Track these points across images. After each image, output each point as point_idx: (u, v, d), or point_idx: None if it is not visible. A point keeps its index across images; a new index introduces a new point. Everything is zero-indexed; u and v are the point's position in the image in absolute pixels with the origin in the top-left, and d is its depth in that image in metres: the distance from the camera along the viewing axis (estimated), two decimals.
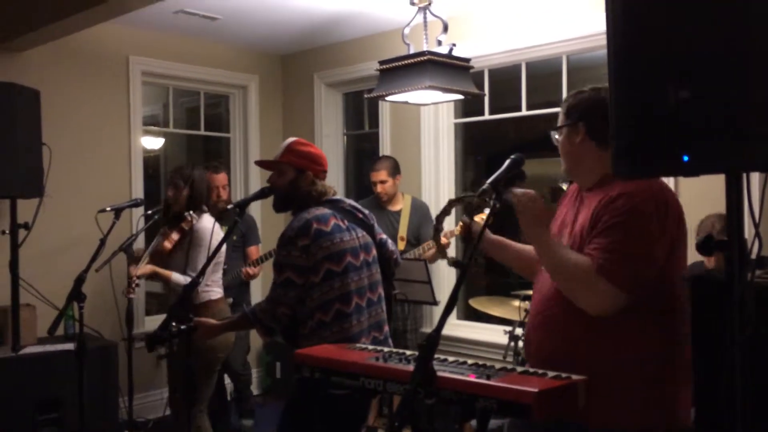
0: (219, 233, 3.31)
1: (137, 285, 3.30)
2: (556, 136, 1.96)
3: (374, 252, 2.59)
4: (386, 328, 2.60)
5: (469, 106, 4.71)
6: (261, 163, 2.72)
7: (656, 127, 1.35)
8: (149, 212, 3.71)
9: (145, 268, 3.21)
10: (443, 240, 4.01)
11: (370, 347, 2.20)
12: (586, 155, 1.86)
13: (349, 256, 2.44)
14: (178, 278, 3.19)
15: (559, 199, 2.12)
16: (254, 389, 5.11)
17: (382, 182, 4.20)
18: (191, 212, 3.28)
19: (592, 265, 1.70)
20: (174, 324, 2.21)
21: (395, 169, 4.26)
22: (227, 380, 4.54)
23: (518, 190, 1.82)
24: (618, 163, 1.44)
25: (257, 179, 5.29)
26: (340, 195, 2.72)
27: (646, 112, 1.38)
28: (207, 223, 3.30)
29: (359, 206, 2.67)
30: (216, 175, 4.22)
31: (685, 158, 1.28)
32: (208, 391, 3.33)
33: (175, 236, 3.28)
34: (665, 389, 1.77)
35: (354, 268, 2.45)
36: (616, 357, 1.75)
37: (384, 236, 2.73)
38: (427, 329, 4.34)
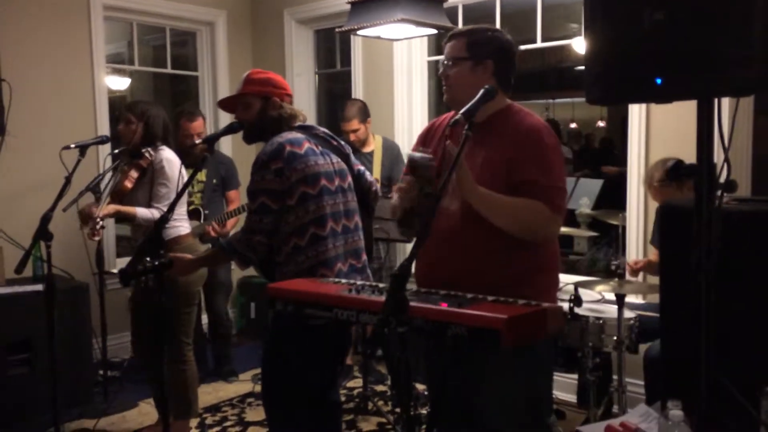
0: (179, 164, 3.25)
1: (102, 227, 3.23)
2: (450, 64, 2.04)
3: (350, 180, 2.55)
4: (364, 257, 2.57)
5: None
6: (223, 104, 2.63)
7: (630, 51, 1.34)
8: (116, 151, 3.62)
9: (107, 208, 3.14)
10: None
11: (344, 281, 2.20)
12: None
13: (323, 180, 2.41)
14: (144, 213, 3.13)
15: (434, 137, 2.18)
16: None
17: (355, 131, 4.13)
18: (148, 149, 3.21)
19: (543, 204, 1.88)
20: (148, 259, 2.16)
21: (365, 114, 4.16)
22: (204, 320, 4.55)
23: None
24: (591, 90, 1.43)
25: (227, 118, 5.16)
26: None
27: (619, 36, 1.36)
28: (168, 154, 3.23)
29: (334, 135, 2.62)
30: (191, 123, 4.09)
31: (659, 81, 1.27)
32: (191, 325, 3.33)
33: (134, 174, 3.21)
34: (551, 294, 2.03)
35: (329, 192, 2.42)
36: (519, 270, 1.95)
37: (362, 168, 2.68)
38: None
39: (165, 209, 3.07)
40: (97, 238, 3.22)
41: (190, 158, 3.83)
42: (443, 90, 2.11)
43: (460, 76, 2.04)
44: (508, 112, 2.04)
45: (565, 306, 2.77)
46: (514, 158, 1.93)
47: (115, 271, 4.08)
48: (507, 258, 1.95)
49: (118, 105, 5.65)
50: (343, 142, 2.63)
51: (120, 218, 3.42)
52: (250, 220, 2.39)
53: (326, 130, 2.60)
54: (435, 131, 2.19)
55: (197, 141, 2.61)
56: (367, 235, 2.68)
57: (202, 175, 4.24)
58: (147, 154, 3.19)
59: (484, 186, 1.91)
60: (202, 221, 4.11)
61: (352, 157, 2.65)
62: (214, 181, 4.27)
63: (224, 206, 4.30)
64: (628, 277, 3.29)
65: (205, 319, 4.50)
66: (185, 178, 3.12)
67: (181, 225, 3.27)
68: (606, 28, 1.36)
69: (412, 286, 1.92)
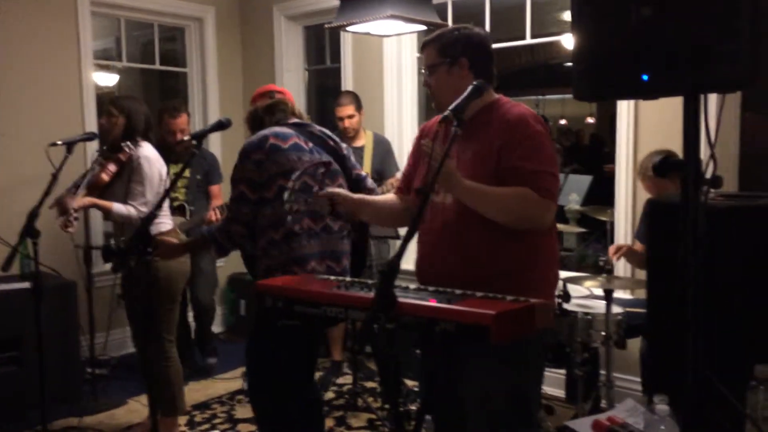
0: (161, 161, 3.24)
1: (76, 218, 3.20)
2: (428, 73, 2.06)
3: (341, 182, 2.53)
4: (345, 262, 2.54)
5: None
6: None
7: (616, 47, 1.34)
8: (104, 147, 3.60)
9: (82, 200, 3.12)
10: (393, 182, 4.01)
11: (332, 277, 2.20)
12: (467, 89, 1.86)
13: (305, 177, 2.40)
14: (120, 208, 3.12)
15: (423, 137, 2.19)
16: (218, 327, 5.14)
17: (350, 117, 4.14)
18: (128, 143, 3.20)
19: (531, 191, 1.85)
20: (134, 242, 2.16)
21: (359, 103, 4.20)
22: (190, 319, 4.54)
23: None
24: (578, 86, 1.43)
25: (216, 115, 5.17)
26: None
27: (606, 32, 1.36)
28: (146, 152, 3.22)
29: (333, 135, 2.61)
30: (174, 120, 4.07)
31: (645, 77, 1.27)
32: (174, 322, 3.32)
33: (112, 168, 3.20)
34: (547, 289, 2.01)
35: (310, 189, 2.39)
36: (516, 262, 1.93)
37: (362, 173, 2.66)
38: None
39: (140, 207, 3.09)
40: (70, 230, 3.19)
41: (173, 154, 3.82)
42: (431, 98, 2.13)
43: (439, 81, 2.05)
44: (494, 105, 2.04)
45: (554, 302, 2.78)
46: (502, 147, 1.92)
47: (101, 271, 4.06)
48: (503, 251, 1.94)
49: (106, 101, 5.61)
50: (343, 145, 2.62)
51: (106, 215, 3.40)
52: (230, 209, 2.42)
53: (324, 129, 2.59)
54: (426, 134, 2.17)
55: (186, 137, 2.61)
56: (364, 242, 2.66)
57: (186, 171, 4.22)
58: (126, 148, 3.18)
59: (475, 179, 1.89)
60: (187, 217, 4.09)
61: (352, 160, 2.64)
62: (198, 176, 4.26)
63: (207, 202, 4.27)
64: (616, 273, 3.30)
65: (191, 317, 4.50)
66: (167, 176, 3.12)
67: (162, 221, 3.26)
68: (593, 24, 1.37)
69: (409, 282, 1.92)
